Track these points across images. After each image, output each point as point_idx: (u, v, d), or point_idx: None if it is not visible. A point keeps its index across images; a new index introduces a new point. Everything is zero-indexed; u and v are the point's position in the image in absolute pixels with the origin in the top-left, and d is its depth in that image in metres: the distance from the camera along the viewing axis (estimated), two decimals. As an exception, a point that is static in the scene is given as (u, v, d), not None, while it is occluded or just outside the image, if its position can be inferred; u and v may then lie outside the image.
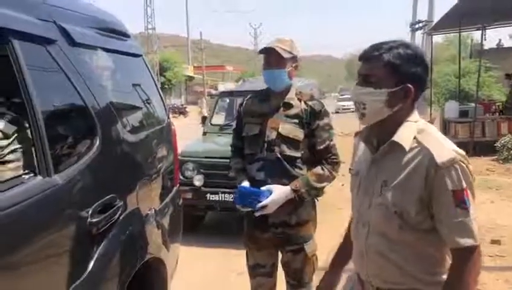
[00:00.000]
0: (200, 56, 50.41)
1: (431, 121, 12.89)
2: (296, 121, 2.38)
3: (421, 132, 1.41)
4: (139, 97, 2.49)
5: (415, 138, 1.40)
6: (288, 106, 2.41)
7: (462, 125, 10.72)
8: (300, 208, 2.42)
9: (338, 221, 4.02)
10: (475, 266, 1.35)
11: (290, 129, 2.37)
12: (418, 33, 22.94)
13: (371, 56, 1.41)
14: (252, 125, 2.44)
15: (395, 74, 1.38)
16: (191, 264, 4.37)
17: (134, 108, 2.41)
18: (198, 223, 5.72)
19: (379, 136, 1.48)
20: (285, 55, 2.33)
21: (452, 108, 11.73)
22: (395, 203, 1.39)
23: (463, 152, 1.38)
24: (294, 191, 2.32)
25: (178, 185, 2.89)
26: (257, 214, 2.30)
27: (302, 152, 2.41)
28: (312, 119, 2.39)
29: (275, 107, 2.42)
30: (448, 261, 1.43)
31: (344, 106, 30.34)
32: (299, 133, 2.37)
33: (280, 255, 2.56)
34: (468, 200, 1.33)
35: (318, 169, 2.40)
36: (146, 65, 2.69)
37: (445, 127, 11.57)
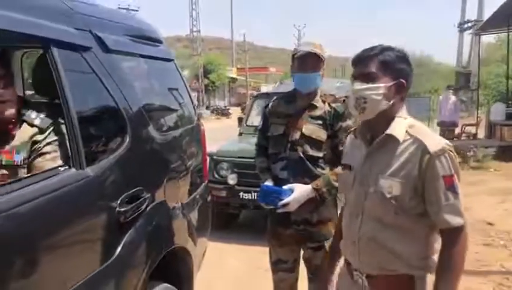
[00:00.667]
0: (244, 58, 50.87)
1: (477, 124, 12.53)
2: (320, 122, 2.47)
3: (411, 126, 1.57)
4: (170, 99, 2.67)
5: (406, 131, 1.55)
6: (313, 107, 2.50)
7: (508, 128, 10.37)
8: (322, 206, 2.50)
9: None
10: (464, 243, 1.53)
11: (314, 130, 2.46)
12: (467, 33, 22.26)
13: (367, 56, 1.57)
14: (277, 126, 2.54)
15: (389, 70, 1.55)
16: (223, 259, 4.55)
17: (164, 109, 2.59)
18: (233, 221, 5.89)
19: (373, 131, 1.62)
20: (322, 58, 2.43)
21: (499, 110, 11.37)
22: (391, 190, 1.53)
23: (450, 143, 1.54)
24: (315, 190, 2.41)
25: (207, 182, 3.04)
26: (279, 211, 2.40)
27: (325, 152, 2.49)
28: (335, 120, 2.48)
29: (301, 109, 2.51)
30: (437, 246, 1.57)
31: None
32: (322, 134, 2.46)
33: (302, 252, 2.66)
34: (457, 185, 1.51)
35: (339, 169, 2.47)
36: (177, 69, 2.87)
37: (491, 130, 11.22)
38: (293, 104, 2.55)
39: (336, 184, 2.44)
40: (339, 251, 1.84)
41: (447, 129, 12.04)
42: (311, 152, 2.47)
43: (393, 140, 1.56)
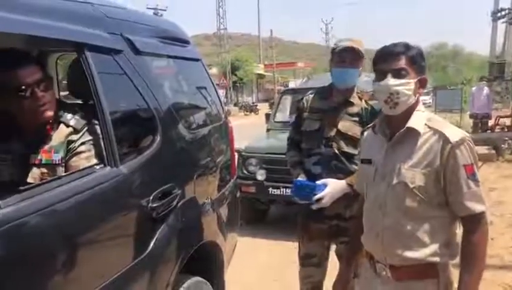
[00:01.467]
0: (272, 54, 50.80)
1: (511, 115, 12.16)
2: (357, 119, 2.45)
3: (429, 119, 1.63)
4: (198, 97, 2.74)
5: (425, 124, 1.61)
6: (350, 104, 2.48)
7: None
8: (355, 202, 2.53)
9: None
10: (485, 230, 1.60)
11: (350, 127, 2.44)
12: (500, 22, 21.56)
13: (398, 52, 1.62)
14: (312, 121, 2.52)
15: (415, 66, 1.61)
16: (254, 254, 4.62)
17: (193, 107, 2.66)
18: (262, 217, 5.95)
19: (392, 126, 1.68)
20: (361, 55, 2.42)
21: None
22: (414, 180, 1.58)
23: (468, 134, 1.60)
24: (350, 185, 2.38)
25: (235, 178, 3.10)
26: (314, 207, 2.39)
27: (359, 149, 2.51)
28: (372, 118, 2.41)
29: (337, 105, 2.49)
30: (459, 234, 1.62)
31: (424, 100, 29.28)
32: (357, 131, 2.39)
33: (334, 247, 2.67)
34: (477, 173, 1.56)
35: None
36: (204, 68, 2.94)
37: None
38: (329, 99, 2.53)
39: None
40: (360, 246, 1.87)
41: (480, 121, 11.75)
42: (346, 149, 2.45)
43: (414, 133, 1.62)
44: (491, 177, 7.56)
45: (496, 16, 21.89)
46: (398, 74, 1.61)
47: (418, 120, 1.63)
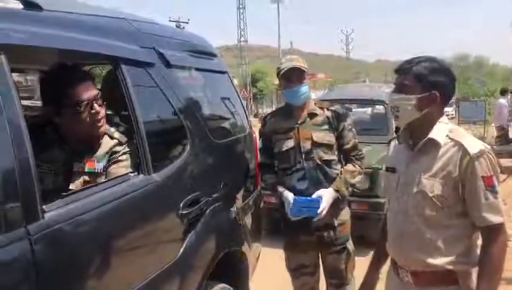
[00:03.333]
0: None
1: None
2: (326, 127, 2.60)
3: (452, 130, 1.66)
4: (224, 109, 2.82)
5: (447, 135, 1.64)
6: (314, 115, 2.62)
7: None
8: (341, 210, 2.64)
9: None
10: (504, 241, 1.61)
11: (323, 135, 2.59)
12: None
13: (404, 68, 1.68)
14: (284, 141, 2.64)
15: (422, 82, 1.64)
16: (277, 263, 4.63)
17: (219, 118, 2.74)
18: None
19: (415, 136, 1.73)
20: (305, 70, 2.56)
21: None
22: (433, 189, 1.62)
23: (489, 146, 1.63)
24: (337, 191, 2.53)
25: (259, 188, 3.16)
26: (315, 219, 2.50)
27: (336, 153, 2.62)
28: (338, 122, 2.60)
29: (301, 120, 2.62)
30: (477, 245, 1.64)
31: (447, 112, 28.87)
32: (331, 138, 2.59)
33: (321, 258, 2.74)
34: (496, 185, 1.58)
35: (350, 166, 2.62)
36: (231, 80, 3.02)
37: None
38: (291, 118, 2.65)
39: (352, 181, 2.58)
40: (385, 253, 1.91)
41: (503, 133, 11.60)
42: (326, 156, 2.58)
43: (435, 143, 1.66)
44: (516, 190, 7.42)
45: (519, 26, 21.63)
46: (400, 89, 1.68)
47: (439, 131, 1.67)
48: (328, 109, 2.63)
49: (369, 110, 7.55)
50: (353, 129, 2.67)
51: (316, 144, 2.57)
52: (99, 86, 2.14)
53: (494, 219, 1.59)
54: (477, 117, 13.93)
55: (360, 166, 2.65)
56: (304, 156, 2.58)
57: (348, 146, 2.63)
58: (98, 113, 1.88)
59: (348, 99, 5.98)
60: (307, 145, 2.57)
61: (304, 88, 2.57)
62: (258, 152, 2.89)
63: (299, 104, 2.62)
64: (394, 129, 5.32)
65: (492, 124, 12.86)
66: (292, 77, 2.56)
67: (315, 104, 2.66)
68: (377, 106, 6.34)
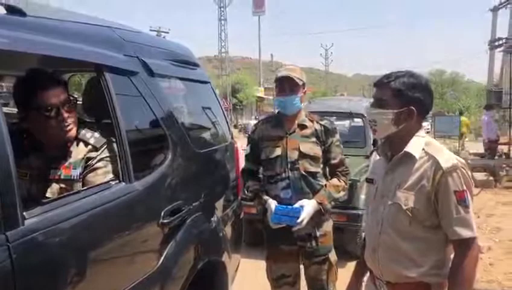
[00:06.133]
0: (272, 77, 51.25)
1: (509, 143, 12.28)
2: (314, 139, 2.62)
3: (428, 144, 1.70)
4: (206, 118, 2.83)
5: (423, 149, 1.68)
6: (303, 126, 2.64)
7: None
8: (324, 221, 2.66)
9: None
10: (475, 255, 1.63)
11: (310, 147, 2.61)
12: (497, 51, 21.91)
13: (382, 83, 1.72)
14: (271, 148, 2.65)
15: (399, 98, 1.67)
16: (255, 275, 4.61)
17: (201, 128, 2.75)
18: (262, 238, 5.94)
19: (392, 149, 1.76)
20: (299, 82, 2.57)
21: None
22: (407, 202, 1.65)
23: (463, 160, 1.66)
24: (320, 203, 2.55)
25: (239, 198, 3.16)
26: (295, 229, 2.51)
27: (321, 166, 2.65)
28: (326, 136, 2.64)
29: (290, 130, 2.65)
30: (451, 258, 1.66)
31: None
32: (318, 150, 2.62)
33: (303, 269, 2.76)
34: (468, 200, 1.61)
35: (335, 181, 2.66)
36: (213, 90, 3.04)
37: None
38: (282, 127, 2.67)
39: (336, 195, 2.61)
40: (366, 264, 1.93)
41: (488, 147, 11.94)
42: (311, 168, 2.61)
43: (410, 157, 1.69)
44: (489, 203, 7.62)
45: (493, 44, 22.26)
46: (378, 103, 1.72)
47: (416, 145, 1.69)
48: (317, 122, 2.65)
49: (347, 123, 7.65)
50: (341, 145, 2.70)
51: (302, 155, 2.59)
52: (78, 94, 2.12)
53: (465, 233, 1.61)
54: (452, 132, 14.26)
55: (345, 181, 2.68)
56: (289, 165, 2.60)
57: (335, 161, 2.66)
58: (64, 119, 1.86)
59: (327, 112, 6.07)
60: (294, 155, 2.59)
61: (295, 100, 2.58)
62: (244, 158, 2.89)
63: (289, 113, 2.64)
64: (372, 142, 5.41)
65: (467, 139, 13.20)
66: (285, 86, 2.58)
67: (307, 116, 2.68)
68: (356, 119, 6.43)
